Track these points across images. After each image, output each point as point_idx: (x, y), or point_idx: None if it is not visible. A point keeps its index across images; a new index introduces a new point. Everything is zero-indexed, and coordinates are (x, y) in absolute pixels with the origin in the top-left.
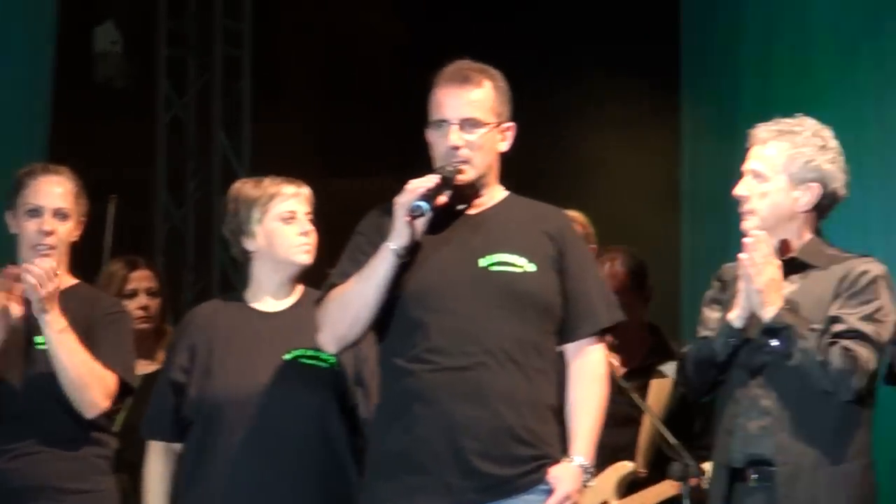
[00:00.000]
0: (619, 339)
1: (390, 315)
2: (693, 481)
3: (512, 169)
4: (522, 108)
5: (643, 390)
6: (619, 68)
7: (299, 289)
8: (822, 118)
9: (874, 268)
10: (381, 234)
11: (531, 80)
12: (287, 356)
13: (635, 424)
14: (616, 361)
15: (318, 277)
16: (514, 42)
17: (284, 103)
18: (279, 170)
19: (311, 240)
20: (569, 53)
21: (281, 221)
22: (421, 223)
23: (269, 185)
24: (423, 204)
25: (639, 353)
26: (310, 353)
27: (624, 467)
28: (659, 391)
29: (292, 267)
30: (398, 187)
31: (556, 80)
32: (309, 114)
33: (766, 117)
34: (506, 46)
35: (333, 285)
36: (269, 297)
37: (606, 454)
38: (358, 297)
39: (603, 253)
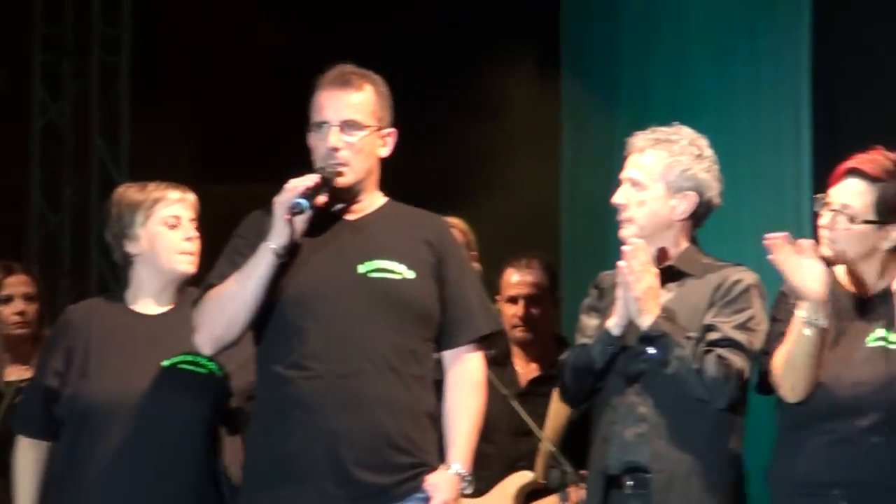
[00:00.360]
0: (531, 332)
1: (267, 319)
2: (572, 488)
3: (391, 172)
4: (402, 111)
5: (546, 398)
6: (500, 69)
7: (180, 291)
8: (698, 125)
9: (747, 277)
10: (260, 237)
11: (410, 85)
12: (166, 362)
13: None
14: (521, 370)
15: (200, 279)
16: (394, 45)
17: (163, 109)
18: (158, 176)
19: (195, 246)
20: (452, 55)
21: (164, 226)
22: (300, 222)
23: (154, 189)
24: (303, 201)
25: (546, 360)
26: (189, 358)
27: (523, 476)
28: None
29: (174, 274)
30: (278, 192)
31: (436, 83)
32: (188, 119)
33: (644, 123)
34: (386, 50)
35: (211, 286)
36: (150, 300)
37: (506, 464)
38: (236, 297)
39: (520, 256)
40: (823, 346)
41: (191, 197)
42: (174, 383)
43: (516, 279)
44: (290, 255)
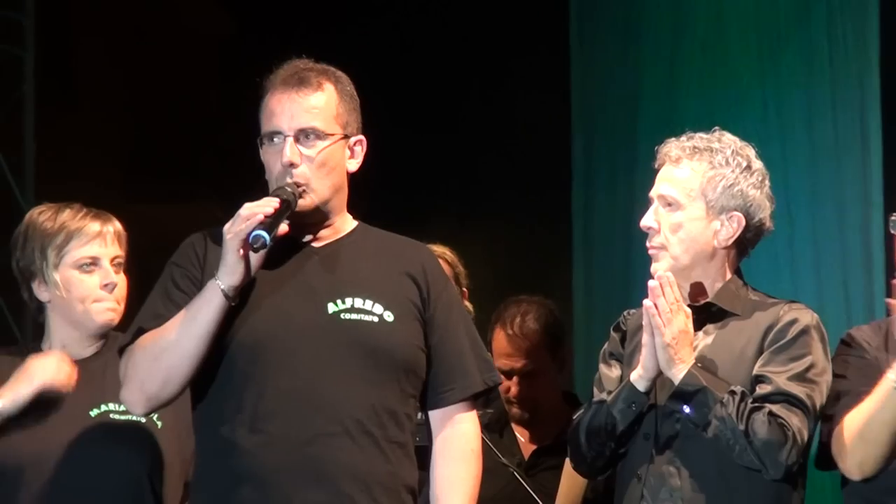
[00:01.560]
0: (530, 411)
1: (212, 369)
2: None
3: (364, 190)
4: (373, 117)
5: (557, 471)
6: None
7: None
8: (740, 133)
9: (805, 316)
10: (203, 267)
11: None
12: (94, 411)
13: None
14: (523, 438)
15: (128, 321)
16: (364, 38)
17: (78, 113)
18: (71, 194)
19: (120, 293)
20: (431, 50)
21: (78, 270)
22: (257, 258)
23: (70, 219)
24: (264, 234)
25: (553, 427)
26: (122, 407)
27: None
28: (575, 472)
29: (92, 327)
30: (222, 214)
31: (416, 85)
32: (110, 126)
33: (672, 130)
34: (353, 45)
35: (142, 330)
36: (69, 348)
37: None
38: (175, 348)
39: (510, 303)
40: None
41: (112, 229)
42: (106, 436)
43: (507, 350)
44: (242, 295)
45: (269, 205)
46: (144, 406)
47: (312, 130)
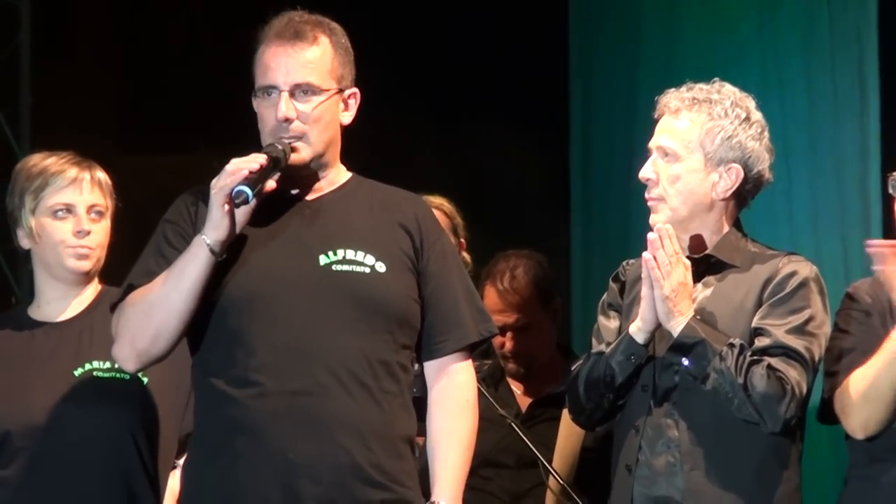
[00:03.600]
0: (525, 365)
1: (206, 323)
2: None
3: (358, 145)
4: (366, 70)
5: (554, 422)
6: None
7: (93, 289)
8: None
9: (804, 268)
10: (195, 224)
11: (379, 35)
12: (78, 370)
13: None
14: (519, 391)
15: (122, 278)
16: None
17: (75, 63)
18: (67, 144)
19: (92, 240)
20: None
21: (51, 216)
22: (243, 213)
23: (53, 165)
24: (247, 189)
25: (549, 379)
26: (106, 364)
27: None
28: (573, 423)
29: (64, 274)
30: (217, 166)
31: (415, 51)
32: (106, 77)
33: (671, 82)
34: None
35: (133, 287)
36: (54, 304)
37: (507, 501)
38: (163, 303)
39: (500, 259)
40: None
41: (89, 175)
42: (91, 395)
43: (499, 306)
44: (231, 250)
45: (255, 161)
46: (136, 362)
47: (308, 86)
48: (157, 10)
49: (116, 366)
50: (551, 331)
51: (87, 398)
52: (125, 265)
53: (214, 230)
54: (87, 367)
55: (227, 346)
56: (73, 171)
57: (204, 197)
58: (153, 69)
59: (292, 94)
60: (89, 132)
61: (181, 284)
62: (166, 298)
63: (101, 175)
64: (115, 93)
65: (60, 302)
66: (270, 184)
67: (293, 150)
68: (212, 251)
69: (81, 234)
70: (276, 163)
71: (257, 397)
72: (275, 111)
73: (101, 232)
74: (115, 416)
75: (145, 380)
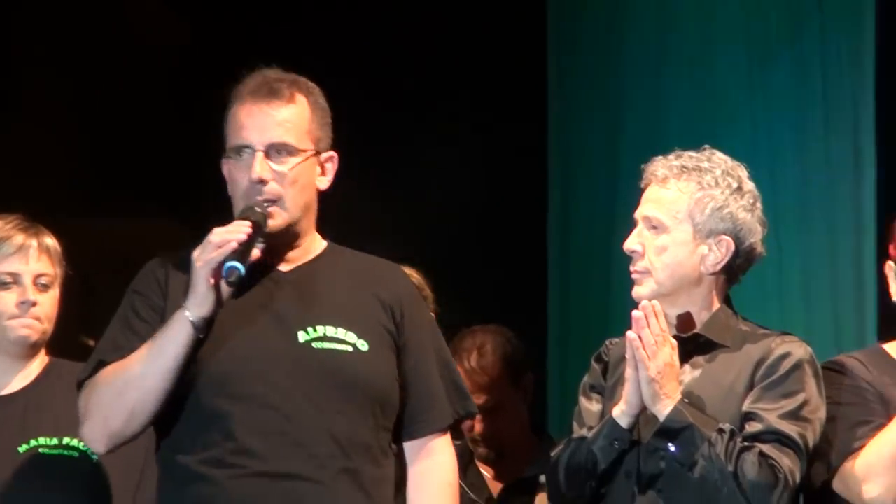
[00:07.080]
0: (495, 448)
1: (175, 399)
2: None
3: (332, 213)
4: (342, 132)
5: None
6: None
7: (39, 362)
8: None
9: (797, 350)
10: (166, 295)
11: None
12: (22, 447)
13: None
14: (489, 475)
15: (71, 350)
16: (331, 45)
17: (25, 121)
18: (13, 207)
19: (38, 311)
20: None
21: None
22: (228, 288)
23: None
24: (239, 266)
25: (522, 462)
26: (53, 441)
27: None
28: None
29: (9, 345)
30: (181, 231)
31: (384, 93)
32: (60, 135)
33: (658, 148)
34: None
35: (104, 363)
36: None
37: None
38: (140, 383)
39: (465, 335)
40: None
41: (35, 243)
42: (36, 474)
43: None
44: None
45: (240, 230)
46: (106, 443)
47: (284, 146)
48: (112, 69)
49: (64, 442)
50: (523, 410)
51: (33, 477)
52: (74, 336)
53: (199, 307)
54: (33, 443)
55: (201, 424)
56: (19, 238)
57: (173, 265)
58: (107, 128)
59: (267, 155)
60: (36, 194)
61: (160, 363)
62: (143, 377)
63: (50, 241)
64: (64, 154)
65: (4, 376)
66: (255, 253)
67: (269, 215)
68: (195, 328)
69: (26, 304)
70: (258, 228)
71: (234, 478)
72: (248, 172)
73: (48, 302)
74: (63, 497)
75: (95, 457)
